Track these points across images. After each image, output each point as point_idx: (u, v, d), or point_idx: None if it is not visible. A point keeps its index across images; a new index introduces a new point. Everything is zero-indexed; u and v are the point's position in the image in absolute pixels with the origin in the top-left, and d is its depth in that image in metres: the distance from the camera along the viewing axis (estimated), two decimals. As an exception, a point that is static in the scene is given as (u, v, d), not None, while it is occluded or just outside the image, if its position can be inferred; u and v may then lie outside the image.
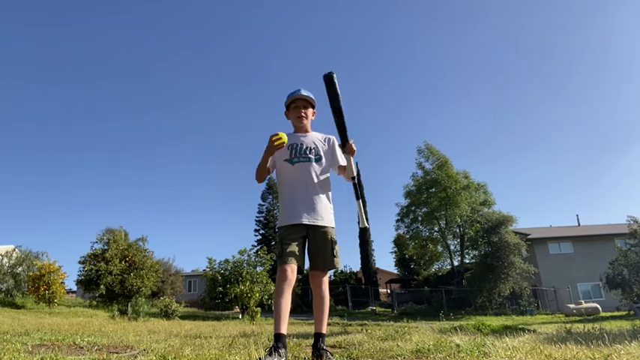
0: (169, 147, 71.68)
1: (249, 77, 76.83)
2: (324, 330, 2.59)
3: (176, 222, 70.33)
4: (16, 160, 65.26)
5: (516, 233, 26.98)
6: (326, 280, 2.64)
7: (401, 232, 35.51)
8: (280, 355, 2.21)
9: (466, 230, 30.35)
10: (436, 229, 31.21)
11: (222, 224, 71.17)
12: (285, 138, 2.52)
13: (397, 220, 32.95)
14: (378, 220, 70.94)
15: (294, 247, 2.50)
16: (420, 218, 31.36)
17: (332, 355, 2.53)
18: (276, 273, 2.53)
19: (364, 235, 35.08)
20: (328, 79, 2.56)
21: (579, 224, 35.18)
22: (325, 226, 2.60)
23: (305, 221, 2.56)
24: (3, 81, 58.77)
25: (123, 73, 71.19)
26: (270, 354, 2.21)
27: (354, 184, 2.68)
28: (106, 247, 19.03)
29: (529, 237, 28.31)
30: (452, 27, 71.15)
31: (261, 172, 2.67)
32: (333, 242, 2.60)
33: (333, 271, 35.14)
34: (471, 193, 29.98)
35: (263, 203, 40.65)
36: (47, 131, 68.10)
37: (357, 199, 2.65)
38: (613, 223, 30.22)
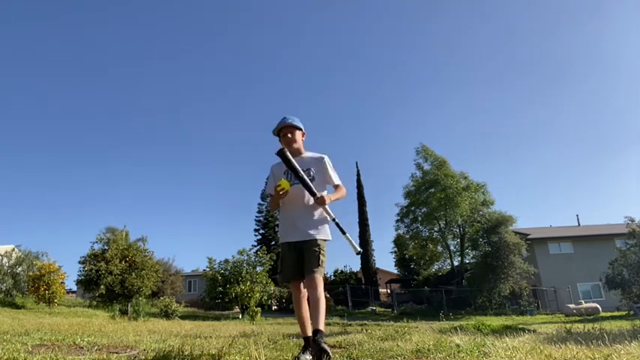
0: (170, 147, 71.76)
1: (251, 78, 76.89)
2: (321, 326, 2.68)
3: (176, 222, 70.45)
4: (15, 159, 65.31)
5: (516, 233, 26.98)
6: (316, 280, 2.75)
7: (401, 232, 35.54)
8: (310, 353, 2.62)
9: (466, 230, 30.35)
10: (436, 229, 31.19)
11: (222, 224, 71.31)
12: (287, 186, 2.76)
13: (397, 220, 32.96)
14: (378, 220, 70.93)
15: (291, 264, 2.88)
16: (419, 218, 31.34)
17: (328, 347, 2.59)
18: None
19: (364, 235, 35.10)
20: (281, 155, 2.84)
21: (579, 224, 35.16)
22: (315, 239, 2.85)
23: (298, 239, 2.87)
24: (3, 78, 58.79)
25: (125, 71, 71.24)
26: (303, 352, 2.67)
27: (337, 223, 2.92)
28: (105, 247, 19.03)
29: (529, 237, 28.30)
30: (448, 27, 71.21)
31: (274, 206, 3.01)
32: (319, 253, 2.83)
33: (332, 271, 34.91)
34: (471, 193, 29.98)
35: (262, 203, 40.67)
36: (47, 129, 68.17)
37: (343, 234, 2.91)
38: (613, 223, 30.20)
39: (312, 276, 2.78)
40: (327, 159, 3.03)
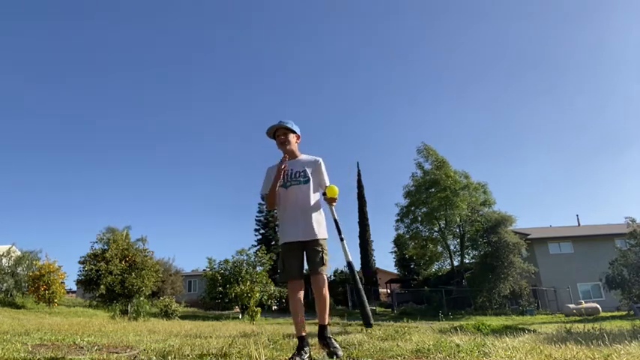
0: (170, 147, 71.76)
1: (251, 79, 76.89)
2: (327, 322, 2.96)
3: (176, 222, 70.43)
4: (15, 158, 65.29)
5: (516, 233, 26.96)
6: (321, 279, 2.95)
7: (401, 232, 35.43)
8: (305, 352, 2.73)
9: (466, 230, 30.32)
10: (436, 229, 31.16)
11: (222, 224, 71.32)
12: (335, 193, 3.02)
13: (397, 220, 32.91)
14: (378, 220, 70.93)
15: (294, 263, 2.98)
16: (419, 218, 31.31)
17: (336, 341, 2.93)
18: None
19: (364, 235, 35.09)
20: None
21: (579, 224, 35.14)
22: (317, 239, 2.98)
23: (300, 238, 2.96)
24: (3, 78, 58.78)
25: (124, 71, 71.23)
26: (298, 353, 2.70)
27: (337, 226, 3.04)
28: (106, 247, 19.01)
29: (529, 237, 28.28)
30: (449, 27, 71.20)
31: (272, 197, 3.07)
32: (323, 252, 2.97)
33: (332, 272, 34.93)
34: (471, 193, 29.95)
35: (263, 203, 40.54)
36: (46, 129, 68.15)
37: (341, 240, 3.02)
38: (613, 223, 30.20)
39: (318, 275, 2.94)
40: (322, 161, 3.16)
